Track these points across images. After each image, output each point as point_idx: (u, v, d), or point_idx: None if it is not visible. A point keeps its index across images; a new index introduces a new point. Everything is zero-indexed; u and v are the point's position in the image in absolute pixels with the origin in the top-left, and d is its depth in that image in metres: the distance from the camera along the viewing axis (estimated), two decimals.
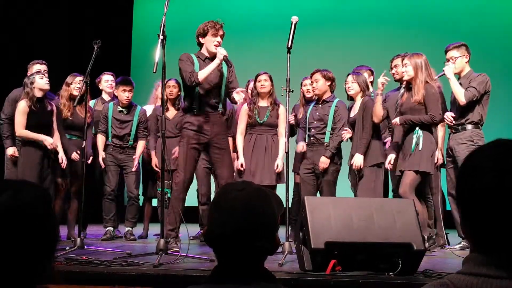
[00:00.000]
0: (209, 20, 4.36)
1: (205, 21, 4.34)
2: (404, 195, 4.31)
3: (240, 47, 7.49)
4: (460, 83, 4.74)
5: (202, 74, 4.21)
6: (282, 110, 5.25)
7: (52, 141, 4.90)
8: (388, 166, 4.76)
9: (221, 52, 4.16)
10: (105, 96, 5.93)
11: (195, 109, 4.33)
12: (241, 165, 5.18)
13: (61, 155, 5.08)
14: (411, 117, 4.45)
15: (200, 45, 4.40)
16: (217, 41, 4.29)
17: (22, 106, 4.90)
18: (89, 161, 5.42)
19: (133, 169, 5.55)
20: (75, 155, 5.24)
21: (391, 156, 4.70)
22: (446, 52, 4.84)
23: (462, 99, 4.62)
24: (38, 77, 4.93)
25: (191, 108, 4.35)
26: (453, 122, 4.78)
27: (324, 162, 5.05)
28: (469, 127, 4.71)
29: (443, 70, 4.69)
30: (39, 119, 4.95)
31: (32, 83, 4.92)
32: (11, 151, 5.08)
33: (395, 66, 5.07)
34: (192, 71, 4.23)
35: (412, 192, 4.39)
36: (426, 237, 4.24)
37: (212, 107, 4.37)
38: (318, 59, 7.35)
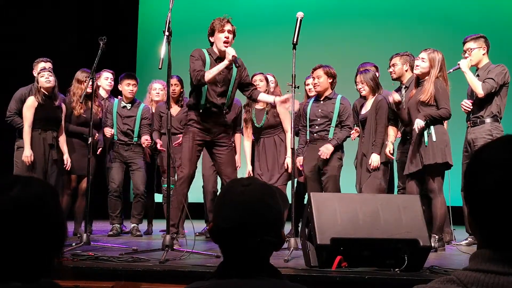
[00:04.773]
0: (216, 16, 4.35)
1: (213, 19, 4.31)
2: (435, 197, 4.22)
3: (245, 43, 7.47)
4: (478, 75, 4.61)
5: (209, 75, 4.16)
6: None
7: (28, 155, 4.92)
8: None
9: (230, 52, 4.10)
10: (102, 93, 5.87)
11: (201, 108, 4.31)
12: (248, 173, 5.21)
13: (66, 157, 5.22)
14: (430, 113, 4.24)
15: (212, 44, 4.36)
16: (225, 37, 4.21)
17: (31, 101, 5.05)
18: (98, 152, 5.51)
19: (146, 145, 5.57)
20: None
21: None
22: (464, 43, 4.72)
23: (480, 91, 4.46)
24: (39, 76, 5.11)
25: (197, 106, 4.33)
26: (470, 107, 4.63)
27: (327, 148, 4.97)
28: (488, 120, 4.54)
29: (458, 64, 4.54)
30: (47, 114, 5.06)
31: (37, 81, 5.11)
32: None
33: (393, 64, 4.99)
34: (200, 70, 4.18)
35: (441, 191, 4.28)
36: (437, 237, 4.21)
37: (217, 107, 4.32)
38: (323, 55, 7.33)
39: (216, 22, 4.26)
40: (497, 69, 4.55)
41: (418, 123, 4.23)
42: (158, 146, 5.56)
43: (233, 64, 4.24)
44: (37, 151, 4.99)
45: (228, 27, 4.25)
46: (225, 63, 4.14)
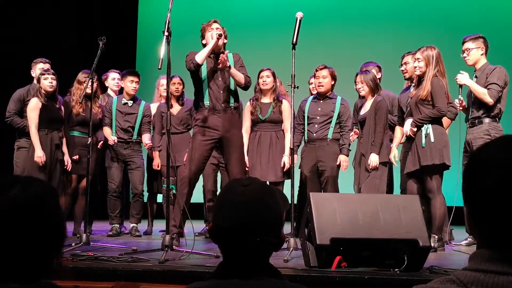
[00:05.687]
0: (215, 16, 4.44)
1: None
2: (434, 198, 4.23)
3: (245, 43, 7.48)
4: (476, 76, 4.63)
5: (199, 56, 4.27)
6: (286, 105, 5.25)
7: (41, 155, 4.94)
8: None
9: (214, 32, 4.25)
10: (111, 93, 5.95)
11: (206, 105, 4.34)
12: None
13: (66, 158, 5.24)
14: (419, 117, 4.29)
15: (205, 46, 4.43)
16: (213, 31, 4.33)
17: (35, 102, 5.04)
18: (99, 146, 5.55)
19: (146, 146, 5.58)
20: (76, 157, 5.33)
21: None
22: (463, 43, 4.72)
23: (489, 100, 4.48)
24: (43, 78, 5.08)
25: (202, 105, 4.36)
26: (460, 108, 4.69)
27: (345, 160, 5.16)
28: (486, 120, 4.55)
29: (458, 83, 4.54)
30: (51, 114, 5.07)
31: (39, 81, 5.11)
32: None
33: (405, 63, 5.01)
34: (192, 58, 4.28)
35: (440, 191, 4.29)
36: (436, 237, 4.21)
37: (223, 102, 4.36)
38: (322, 55, 7.34)
39: (204, 25, 4.42)
40: (497, 72, 4.56)
41: (406, 129, 4.38)
42: (155, 165, 5.62)
43: (228, 58, 4.30)
44: (44, 151, 4.99)
45: (215, 25, 4.38)
46: (212, 42, 4.26)
